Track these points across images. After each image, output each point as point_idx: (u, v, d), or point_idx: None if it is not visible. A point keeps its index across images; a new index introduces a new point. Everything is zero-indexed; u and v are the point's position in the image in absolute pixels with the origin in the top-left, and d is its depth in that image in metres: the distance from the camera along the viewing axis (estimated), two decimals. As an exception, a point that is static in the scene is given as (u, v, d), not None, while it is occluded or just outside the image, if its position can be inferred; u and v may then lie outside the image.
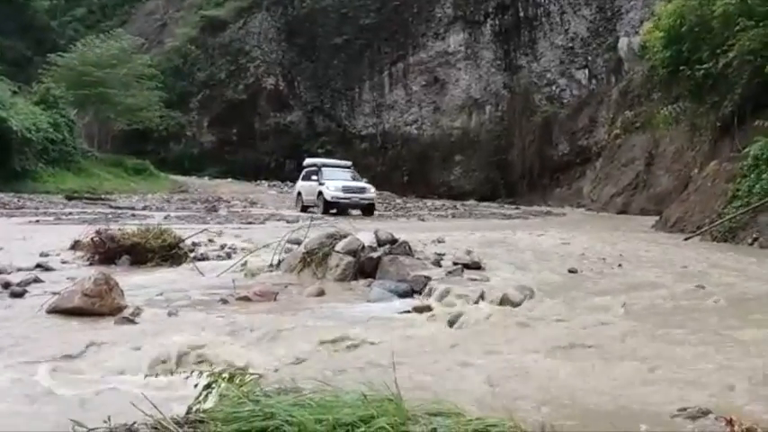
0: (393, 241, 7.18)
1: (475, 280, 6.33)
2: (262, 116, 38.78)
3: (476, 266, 7.02)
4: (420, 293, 5.93)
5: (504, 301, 5.38)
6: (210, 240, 9.75)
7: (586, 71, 32.25)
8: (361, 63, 36.99)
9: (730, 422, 2.35)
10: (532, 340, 4.22)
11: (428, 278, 6.20)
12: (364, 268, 6.61)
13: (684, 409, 2.62)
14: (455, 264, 6.96)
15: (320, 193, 20.66)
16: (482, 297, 5.55)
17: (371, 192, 21.42)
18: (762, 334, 4.15)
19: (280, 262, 7.17)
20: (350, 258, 6.60)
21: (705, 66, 12.93)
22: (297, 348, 3.83)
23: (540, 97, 33.51)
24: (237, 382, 2.90)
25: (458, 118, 35.52)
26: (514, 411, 2.68)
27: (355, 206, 20.65)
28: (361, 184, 22.01)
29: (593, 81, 31.79)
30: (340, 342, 3.93)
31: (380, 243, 7.14)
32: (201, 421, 2.35)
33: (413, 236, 9.10)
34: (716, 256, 8.46)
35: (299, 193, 23.27)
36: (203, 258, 8.03)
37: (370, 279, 6.42)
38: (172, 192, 28.69)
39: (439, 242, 9.35)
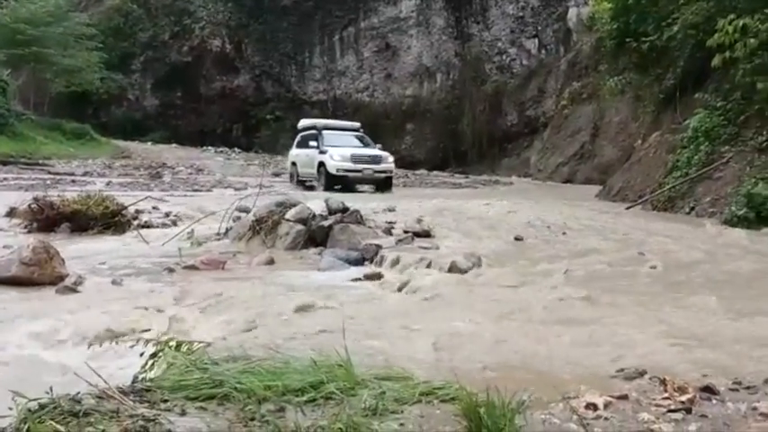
0: (344, 210, 7.18)
1: (425, 248, 6.41)
2: (208, 80, 37.63)
3: (426, 235, 7.10)
4: (371, 261, 5.98)
5: (452, 268, 5.47)
6: (155, 208, 9.52)
7: (536, 41, 32.55)
8: (312, 27, 36.23)
9: (664, 382, 2.47)
10: (479, 306, 4.31)
11: (379, 246, 6.24)
12: (315, 237, 6.60)
13: (622, 370, 2.74)
14: (405, 232, 7.02)
15: (321, 164, 16.72)
16: (431, 265, 5.63)
17: (389, 161, 17.31)
18: (695, 299, 4.37)
19: (228, 230, 7.08)
20: (300, 227, 6.57)
21: (650, 38, 13.21)
22: (246, 316, 3.80)
23: (490, 66, 33.69)
24: (185, 350, 2.87)
25: (409, 86, 35.39)
26: (460, 375, 2.75)
27: (368, 181, 16.94)
28: (375, 151, 17.73)
29: (543, 51, 32.13)
30: (289, 309, 3.93)
31: (331, 212, 7.13)
32: (148, 390, 2.32)
33: (364, 204, 9.11)
34: (655, 225, 8.79)
35: (294, 164, 19.06)
36: (148, 226, 7.85)
37: (320, 248, 6.42)
38: (114, 157, 27.71)
39: (390, 211, 9.39)
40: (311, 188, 17.31)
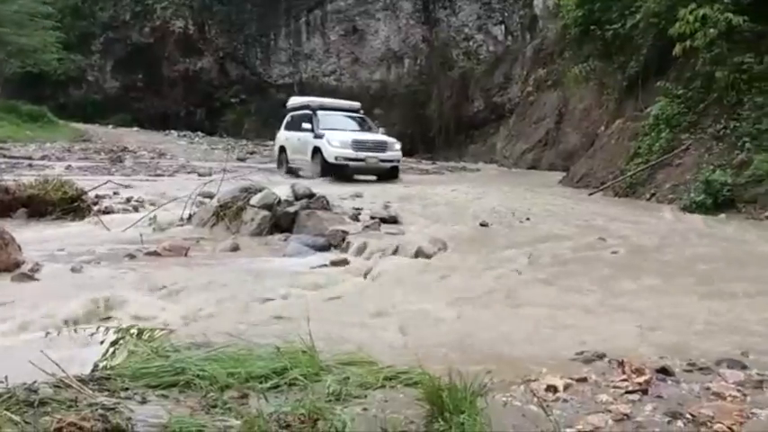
0: (310, 195, 7.14)
1: (391, 234, 6.43)
2: (170, 61, 36.72)
3: (392, 220, 7.12)
4: (337, 247, 5.97)
5: (418, 253, 5.50)
6: (116, 193, 9.31)
7: (503, 27, 32.64)
8: (277, 8, 35.60)
9: (622, 364, 2.54)
10: (444, 291, 4.35)
11: (345, 232, 6.23)
12: (280, 223, 6.55)
13: (582, 353, 2.80)
14: (372, 218, 7.03)
15: (317, 150, 14.48)
16: (397, 250, 5.65)
17: (396, 149, 15.11)
18: (653, 282, 4.48)
19: (191, 216, 6.98)
20: (265, 212, 6.51)
21: (614, 26, 13.37)
22: (210, 303, 3.77)
23: (457, 52, 33.70)
24: (146, 337, 2.83)
25: (377, 70, 35.19)
26: (424, 359, 2.77)
27: (372, 171, 14.60)
28: (379, 136, 15.51)
29: (509, 38, 32.25)
30: (254, 296, 3.90)
31: (297, 197, 7.08)
32: (108, 378, 2.29)
33: (330, 190, 9.07)
34: (617, 210, 8.97)
35: (283, 149, 16.65)
36: (108, 212, 7.67)
37: (286, 234, 6.38)
38: (73, 141, 26.89)
39: (357, 197, 9.36)
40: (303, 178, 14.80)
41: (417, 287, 4.48)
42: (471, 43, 33.54)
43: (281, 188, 7.48)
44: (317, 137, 14.73)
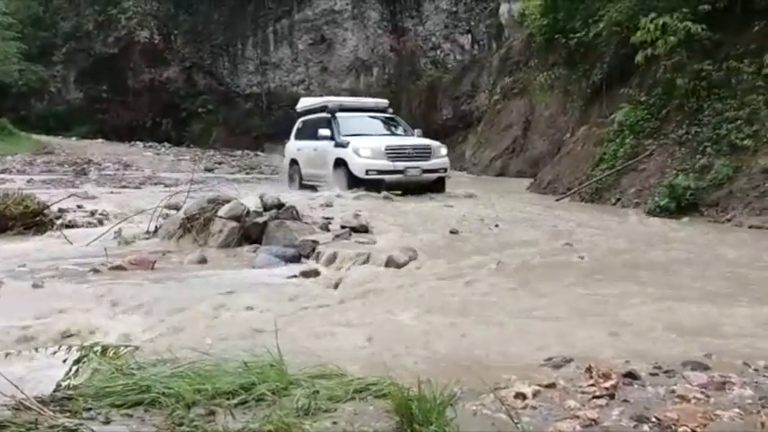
0: (280, 205, 7.08)
1: (362, 243, 6.42)
2: (135, 72, 36.24)
3: (363, 230, 7.11)
4: (308, 258, 5.93)
5: (389, 262, 5.49)
6: (80, 206, 9.12)
7: (469, 36, 33.07)
8: (244, 18, 35.45)
9: (589, 369, 2.56)
10: (414, 299, 4.35)
11: (316, 242, 6.20)
12: (249, 234, 6.48)
13: (550, 359, 2.83)
14: (343, 227, 7.00)
15: (340, 162, 11.87)
16: (368, 260, 5.64)
17: (442, 154, 12.40)
18: (619, 287, 4.55)
19: (157, 229, 6.86)
20: (234, 224, 6.44)
21: (578, 35, 13.62)
22: (176, 318, 3.70)
23: (425, 61, 34.00)
24: (111, 355, 2.78)
25: (346, 79, 35.26)
26: (395, 369, 2.77)
27: (413, 184, 11.79)
28: (419, 139, 12.83)
29: (476, 47, 32.67)
30: (222, 310, 3.84)
31: (266, 208, 7.02)
32: (70, 398, 2.23)
33: (300, 200, 9.03)
34: (583, 216, 9.10)
35: (294, 162, 13.97)
36: (72, 225, 7.51)
37: (255, 245, 6.32)
38: (35, 153, 26.29)
39: (327, 206, 9.34)
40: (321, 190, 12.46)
41: (388, 296, 4.47)
42: (439, 52, 33.87)
43: (250, 198, 7.41)
44: (340, 145, 12.04)
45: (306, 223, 6.90)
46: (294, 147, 14.34)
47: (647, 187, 10.34)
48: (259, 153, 29.04)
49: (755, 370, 2.64)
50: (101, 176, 18.26)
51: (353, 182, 11.62)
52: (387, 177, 11.50)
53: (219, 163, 24.57)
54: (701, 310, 3.88)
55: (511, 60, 23.50)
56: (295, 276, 5.12)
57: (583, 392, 2.35)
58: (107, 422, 2.04)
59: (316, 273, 5.22)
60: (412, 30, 34.46)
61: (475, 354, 3.13)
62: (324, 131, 12.55)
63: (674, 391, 2.34)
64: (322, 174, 12.71)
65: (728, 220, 8.43)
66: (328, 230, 6.92)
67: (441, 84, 32.19)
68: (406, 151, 11.91)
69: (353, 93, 34.97)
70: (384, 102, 14.81)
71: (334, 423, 1.97)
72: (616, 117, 11.82)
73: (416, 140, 12.82)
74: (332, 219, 7.60)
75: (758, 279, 4.84)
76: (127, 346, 2.90)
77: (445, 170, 12.36)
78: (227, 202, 6.75)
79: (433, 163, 12.06)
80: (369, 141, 12.01)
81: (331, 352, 3.02)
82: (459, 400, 2.25)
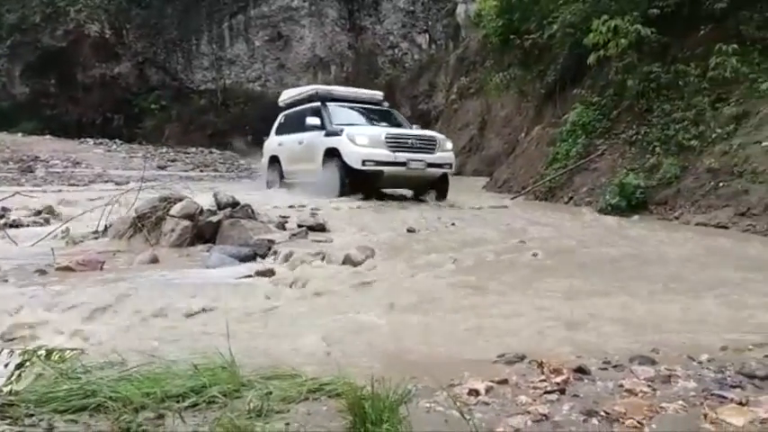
0: (234, 204, 6.97)
1: (319, 242, 6.37)
2: (85, 66, 35.15)
3: (320, 228, 7.06)
4: (263, 257, 5.85)
5: (346, 261, 5.47)
6: (25, 205, 8.78)
7: (427, 36, 33.30)
8: (199, 13, 34.82)
9: (541, 365, 2.60)
10: (371, 298, 4.34)
11: (272, 241, 6.12)
12: (203, 233, 6.36)
13: (503, 356, 2.86)
14: (300, 226, 6.94)
15: (332, 153, 10.42)
16: (325, 258, 5.60)
17: (447, 148, 11.12)
18: (570, 283, 4.65)
19: (107, 228, 6.67)
20: (186, 223, 6.31)
21: (532, 36, 13.86)
22: (125, 320, 3.60)
23: (383, 60, 34.07)
24: (56, 358, 2.69)
25: (303, 76, 35.01)
26: (350, 368, 2.75)
27: (414, 181, 10.87)
28: (424, 131, 11.81)
29: (433, 46, 32.93)
30: (173, 311, 3.75)
31: (220, 206, 6.90)
32: (11, 404, 2.15)
33: (256, 198, 8.91)
34: (537, 214, 9.26)
35: (274, 161, 12.78)
36: (17, 225, 7.25)
37: (209, 244, 6.20)
38: (-22, 150, 25.26)
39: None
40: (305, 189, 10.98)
41: (344, 295, 4.45)
42: (396, 51, 33.99)
43: (203, 197, 7.28)
44: (332, 134, 10.56)
45: (261, 222, 6.81)
46: (274, 143, 13.02)
47: (598, 186, 10.60)
48: (213, 150, 28.58)
49: (699, 363, 2.72)
50: (48, 174, 17.65)
51: (348, 174, 10.03)
52: (386, 169, 10.03)
53: (173, 160, 24.07)
54: (648, 305, 3.99)
55: (467, 60, 23.75)
56: (250, 276, 5.04)
57: (534, 388, 2.38)
58: (50, 429, 1.98)
59: (271, 272, 5.15)
60: (370, 28, 34.47)
61: (431, 351, 3.14)
62: (312, 120, 11.03)
63: (622, 385, 2.39)
64: (308, 169, 11.01)
65: (676, 218, 8.71)
66: (285, 229, 6.85)
67: (399, 83, 32.33)
68: (409, 141, 10.39)
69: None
70: (379, 94, 13.50)
71: (287, 424, 1.95)
72: (569, 117, 12.09)
73: (420, 131, 11.57)
74: (288, 218, 7.53)
75: (702, 276, 5.01)
76: (72, 350, 2.81)
77: (450, 166, 10.99)
78: (180, 200, 6.60)
79: (438, 156, 10.64)
80: (365, 129, 10.68)
81: (286, 352, 2.99)
82: (414, 397, 2.25)
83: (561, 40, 13.23)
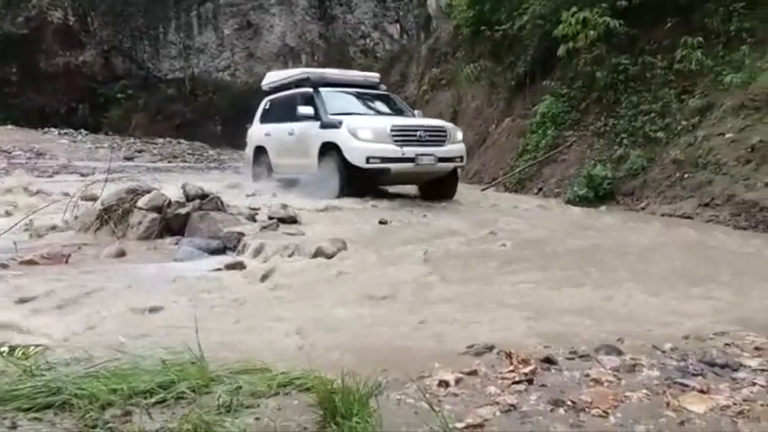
0: (203, 196, 6.88)
1: (290, 234, 6.33)
2: (48, 55, 34.14)
3: (291, 220, 7.01)
4: (233, 250, 5.80)
5: (317, 253, 5.46)
6: (-14, 197, 8.55)
7: (398, 26, 33.21)
8: (166, 1, 34.13)
9: (509, 355, 2.64)
10: (343, 290, 4.34)
11: (242, 234, 6.07)
12: (171, 226, 6.28)
13: (472, 347, 2.89)
14: (270, 218, 6.89)
15: (329, 147, 9.24)
16: (296, 251, 5.58)
17: (458, 139, 9.79)
18: (539, 274, 4.71)
19: (73, 220, 6.53)
20: (154, 215, 6.21)
21: (503, 27, 13.90)
22: (92, 314, 3.53)
23: (354, 50, 33.88)
24: (19, 355, 2.65)
25: (273, 66, 34.53)
26: (321, 362, 2.75)
27: (422, 176, 9.64)
28: (432, 120, 10.60)
29: (405, 37, 32.85)
30: (141, 305, 3.70)
31: (189, 198, 6.81)
32: (-28, 403, 2.09)
33: (226, 190, 8.82)
34: (507, 205, 9.35)
35: (261, 150, 11.49)
36: (-23, 218, 7.02)
37: (178, 237, 6.12)
38: (-65, 140, 24.44)
39: (254, 196, 9.15)
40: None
41: (316, 288, 4.44)
42: (368, 41, 33.84)
43: (171, 188, 7.17)
44: (329, 126, 9.36)
45: (231, 214, 6.74)
46: (260, 132, 11.62)
47: (567, 177, 10.74)
48: (182, 141, 28.13)
49: (663, 352, 2.79)
50: (10, 165, 17.17)
51: (349, 173, 8.88)
52: (393, 167, 8.86)
53: (140, 151, 23.59)
54: (615, 295, 4.07)
55: (439, 51, 23.73)
56: (219, 269, 5.00)
57: (503, 378, 2.42)
58: (13, 427, 1.94)
59: (241, 265, 5.11)
60: (341, 18, 34.24)
61: (402, 343, 3.16)
62: (305, 110, 9.78)
63: (588, 375, 2.44)
64: (302, 164, 9.85)
65: (642, 209, 8.88)
66: (255, 221, 6.79)
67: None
68: (417, 134, 9.16)
69: (282, 80, 34.37)
70: (375, 76, 12.02)
71: (257, 419, 1.94)
72: (539, 109, 12.19)
73: (428, 121, 10.33)
74: (259, 209, 7.46)
75: (667, 267, 5.12)
76: (36, 346, 2.76)
77: (462, 159, 9.74)
78: (148, 192, 6.50)
79: (449, 149, 9.37)
80: (368, 121, 9.47)
81: (257, 346, 2.97)
82: (384, 390, 2.26)
83: (531, 31, 13.30)
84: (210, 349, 2.52)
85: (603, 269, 4.92)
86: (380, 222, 7.28)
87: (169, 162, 20.62)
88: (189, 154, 23.14)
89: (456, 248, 5.73)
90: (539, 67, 13.54)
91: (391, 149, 8.83)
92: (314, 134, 9.61)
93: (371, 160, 8.77)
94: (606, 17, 10.39)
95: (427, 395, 2.23)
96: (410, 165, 8.93)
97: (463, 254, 5.55)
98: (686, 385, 2.33)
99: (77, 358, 2.49)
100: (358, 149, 8.83)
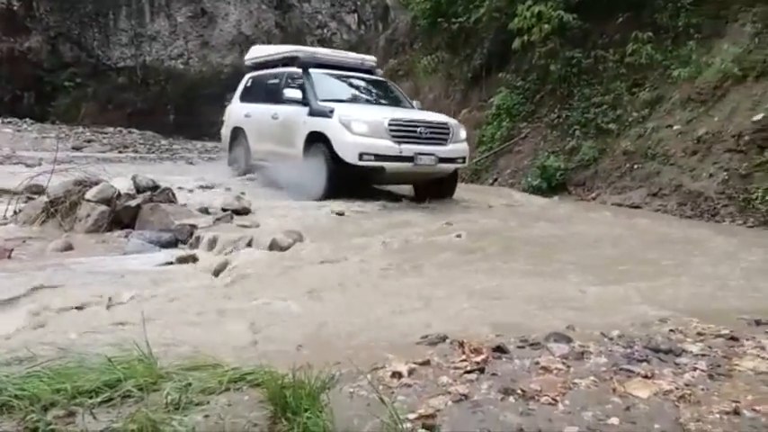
0: (154, 188, 6.71)
1: (244, 226, 6.24)
2: (-9, 41, 32.80)
3: (246, 212, 6.92)
4: (185, 243, 5.69)
5: (272, 245, 5.40)
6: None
7: (356, 16, 33.04)
8: (116, -13, 33.10)
9: (462, 345, 2.66)
10: (298, 283, 4.31)
11: (194, 226, 5.95)
12: (121, 218, 6.10)
13: (426, 337, 2.90)
14: (224, 210, 6.77)
15: (316, 138, 8.29)
16: (251, 243, 5.51)
17: (461, 137, 8.79)
18: (492, 263, 4.78)
19: (16, 213, 6.29)
20: (103, 207, 6.03)
21: (460, 20, 13.97)
22: (35, 311, 3.41)
23: (312, 39, 33.50)
24: (-43, 356, 2.52)
25: (228, 54, 33.98)
26: (276, 356, 2.73)
27: (421, 177, 8.72)
28: (433, 115, 9.30)
29: (363, 27, 32.72)
30: (88, 301, 3.59)
31: (139, 190, 6.63)
32: None
33: (178, 181, 8.63)
34: (463, 195, 9.42)
35: (239, 132, 10.46)
36: None
37: (128, 230, 5.96)
38: None
39: (207, 188, 8.98)
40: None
41: (271, 281, 4.39)
42: (325, 31, 33.57)
43: (121, 180, 6.97)
44: (318, 113, 8.39)
45: (183, 206, 6.60)
46: (240, 111, 10.48)
47: (521, 168, 10.90)
48: (133, 130, 27.40)
49: (610, 339, 2.86)
50: (-50, 156, 16.41)
51: (338, 171, 7.97)
52: (388, 166, 7.93)
53: (89, 141, 22.83)
54: (564, 283, 4.16)
55: (396, 42, 23.70)
56: (171, 263, 4.89)
57: (455, 368, 2.44)
58: (-52, 432, 1.85)
59: (194, 258, 5.02)
60: (297, 6, 33.84)
61: (357, 335, 3.15)
62: (292, 92, 8.82)
63: (538, 363, 2.48)
64: (284, 153, 8.93)
65: (594, 199, 9.10)
66: (208, 213, 6.66)
67: (328, 63, 31.90)
68: (417, 130, 8.18)
69: (237, 69, 33.74)
70: (371, 59, 10.84)
71: (206, 416, 1.90)
72: (494, 101, 12.31)
73: (429, 115, 9.14)
74: (212, 200, 7.32)
75: (616, 254, 5.26)
76: (-25, 345, 2.65)
77: (464, 160, 8.81)
78: (96, 183, 6.30)
79: (451, 149, 8.44)
80: (363, 111, 8.45)
81: (208, 342, 2.91)
82: (338, 383, 2.26)
83: (487, 24, 13.40)
84: (160, 345, 2.47)
85: (554, 258, 5.02)
86: (338, 214, 7.24)
87: (120, 152, 20.06)
88: (140, 144, 22.56)
89: (413, 239, 5.75)
90: (495, 60, 13.66)
91: (388, 146, 7.88)
92: (301, 121, 8.63)
93: (365, 157, 7.83)
94: (560, 11, 10.54)
95: (380, 387, 2.24)
96: (408, 164, 8.02)
97: (420, 245, 5.57)
98: (632, 371, 2.39)
99: (19, 357, 2.41)
100: (350, 144, 7.87)
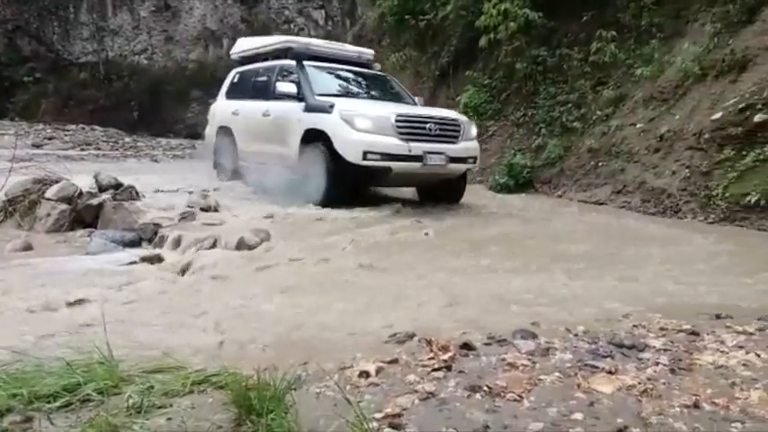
0: (117, 186, 6.59)
1: (211, 224, 6.15)
2: (-55, 34, 31.69)
3: (212, 210, 6.82)
4: (150, 242, 5.58)
5: (239, 244, 5.34)
6: None
7: (323, 12, 32.84)
8: (77, -21, 32.28)
9: (429, 342, 2.67)
10: (266, 282, 4.27)
11: (158, 225, 5.84)
12: (83, 217, 5.96)
13: (394, 335, 2.90)
14: (189, 207, 6.67)
15: (314, 135, 7.57)
16: (217, 242, 5.43)
17: (472, 135, 8.12)
18: (460, 261, 4.80)
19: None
20: (64, 206, 5.88)
21: (427, 17, 14.01)
22: (-8, 314, 3.31)
23: (278, 34, 33.29)
24: None
25: (193, 50, 33.49)
26: (242, 357, 2.70)
27: (427, 179, 8.09)
28: (443, 111, 8.62)
29: (330, 23, 32.55)
30: (49, 302, 3.49)
31: (102, 188, 6.50)
32: None
33: (143, 179, 8.47)
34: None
35: (226, 132, 9.67)
36: None
37: (90, 229, 5.82)
38: None
39: (173, 186, 8.83)
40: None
41: (238, 281, 4.34)
42: (292, 26, 33.29)
43: (82, 178, 6.81)
44: (316, 109, 7.68)
45: (147, 204, 6.47)
46: (226, 109, 9.73)
47: (488, 166, 10.99)
48: (96, 127, 26.78)
49: (575, 335, 2.90)
50: None
51: (340, 172, 7.25)
52: (396, 166, 7.24)
53: (50, 138, 22.23)
54: (531, 280, 4.20)
55: (364, 38, 23.61)
56: (134, 262, 4.79)
57: (423, 366, 2.44)
58: None
59: (158, 258, 4.93)
60: (264, 1, 33.50)
61: (325, 335, 3.13)
62: (285, 87, 8.05)
63: (504, 360, 2.50)
64: (277, 153, 8.18)
65: (560, 196, 9.23)
66: (173, 211, 6.54)
67: (295, 59, 31.66)
68: (426, 126, 7.49)
69: (202, 64, 33.33)
70: (369, 52, 10.15)
71: (169, 419, 1.87)
72: (462, 99, 12.37)
73: (437, 111, 8.47)
74: (178, 199, 7.20)
75: (581, 250, 5.34)
76: (-74, 351, 2.55)
77: (475, 160, 8.12)
78: (56, 182, 6.14)
79: (462, 148, 7.77)
80: (367, 106, 7.77)
81: (173, 343, 2.87)
82: (304, 383, 2.24)
83: (454, 21, 13.45)
84: (122, 348, 2.42)
85: (521, 255, 5.07)
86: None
87: (82, 150, 19.57)
88: (103, 141, 22.07)
89: (382, 237, 5.74)
90: (462, 58, 13.73)
91: (395, 144, 7.16)
92: (296, 118, 7.87)
93: (369, 156, 7.10)
94: (526, 9, 10.64)
95: (348, 386, 2.23)
96: (417, 165, 7.30)
97: (388, 242, 5.57)
98: (596, 367, 2.42)
99: (-27, 362, 2.32)
100: (354, 142, 7.13)
